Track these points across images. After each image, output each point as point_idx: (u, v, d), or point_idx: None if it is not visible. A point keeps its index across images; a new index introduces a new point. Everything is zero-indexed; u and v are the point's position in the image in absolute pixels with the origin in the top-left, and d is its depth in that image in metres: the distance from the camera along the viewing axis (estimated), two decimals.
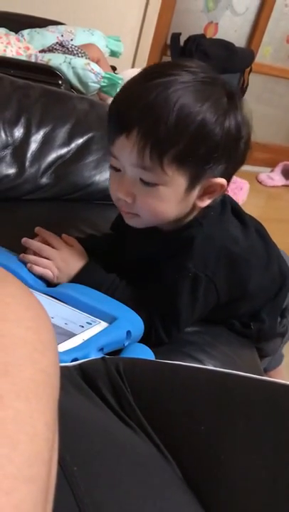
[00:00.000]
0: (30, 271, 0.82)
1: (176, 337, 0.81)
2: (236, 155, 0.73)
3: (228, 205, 0.83)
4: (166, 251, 0.80)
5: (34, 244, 0.85)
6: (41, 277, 0.82)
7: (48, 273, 0.82)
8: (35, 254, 0.84)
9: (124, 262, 0.88)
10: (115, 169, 0.75)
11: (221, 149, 0.69)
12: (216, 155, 0.70)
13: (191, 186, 0.72)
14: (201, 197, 0.75)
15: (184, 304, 0.78)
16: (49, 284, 0.82)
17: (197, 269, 0.76)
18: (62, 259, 0.83)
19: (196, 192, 0.73)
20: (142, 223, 0.78)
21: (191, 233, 0.77)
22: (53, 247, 0.84)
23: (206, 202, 0.75)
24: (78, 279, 0.82)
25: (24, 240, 0.86)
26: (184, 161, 0.69)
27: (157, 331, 0.79)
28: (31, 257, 0.83)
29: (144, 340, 0.76)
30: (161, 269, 0.80)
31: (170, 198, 0.72)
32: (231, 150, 0.71)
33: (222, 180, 0.73)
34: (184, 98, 0.66)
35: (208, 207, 0.77)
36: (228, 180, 0.75)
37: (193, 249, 0.76)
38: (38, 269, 0.82)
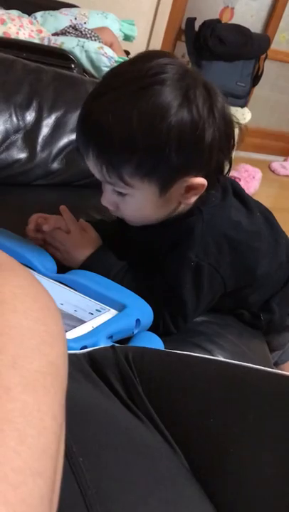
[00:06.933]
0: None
1: (183, 328, 0.81)
2: (202, 151, 0.67)
3: (229, 190, 0.81)
4: (167, 240, 0.79)
5: (51, 221, 0.86)
6: (51, 264, 0.82)
7: (55, 253, 0.84)
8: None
9: (130, 250, 0.87)
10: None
11: (179, 151, 0.65)
12: (177, 158, 0.66)
13: (164, 190, 0.70)
14: (184, 195, 0.72)
15: (188, 294, 0.77)
16: (59, 271, 0.82)
17: (199, 258, 0.76)
18: (71, 244, 0.84)
19: (173, 194, 0.71)
20: (134, 224, 0.80)
21: (191, 222, 0.76)
22: (66, 230, 0.85)
23: (192, 199, 0.73)
24: (87, 263, 0.83)
25: (39, 216, 0.87)
26: (144, 172, 0.67)
27: (165, 321, 0.79)
28: (39, 238, 0.86)
29: (153, 329, 0.76)
30: (164, 260, 0.79)
31: (146, 204, 0.73)
32: (193, 147, 0.66)
33: (200, 180, 0.70)
34: (119, 112, 0.64)
35: (208, 193, 0.75)
36: (220, 172, 0.74)
37: (194, 239, 0.75)
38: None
